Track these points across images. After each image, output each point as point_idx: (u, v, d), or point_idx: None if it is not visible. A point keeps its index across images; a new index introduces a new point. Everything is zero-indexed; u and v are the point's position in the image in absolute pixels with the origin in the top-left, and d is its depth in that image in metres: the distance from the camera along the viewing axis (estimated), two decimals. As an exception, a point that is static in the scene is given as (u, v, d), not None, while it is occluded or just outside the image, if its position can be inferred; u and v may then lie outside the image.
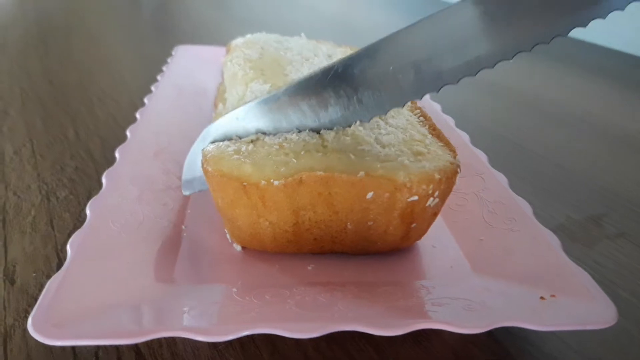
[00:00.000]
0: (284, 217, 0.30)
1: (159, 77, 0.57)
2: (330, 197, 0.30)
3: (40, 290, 0.32)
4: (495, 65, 0.28)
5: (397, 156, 0.30)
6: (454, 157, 0.31)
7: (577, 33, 1.11)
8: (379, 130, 0.34)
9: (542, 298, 0.29)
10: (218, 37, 0.94)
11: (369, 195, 0.29)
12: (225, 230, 0.34)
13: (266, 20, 1.14)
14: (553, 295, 0.29)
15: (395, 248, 0.33)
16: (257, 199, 0.29)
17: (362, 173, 0.29)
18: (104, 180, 0.36)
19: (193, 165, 0.35)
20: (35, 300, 0.31)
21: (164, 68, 0.61)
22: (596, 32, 1.08)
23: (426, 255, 0.34)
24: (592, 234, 0.42)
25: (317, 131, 0.33)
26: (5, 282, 0.32)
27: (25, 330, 0.29)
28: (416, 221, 0.31)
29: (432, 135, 0.35)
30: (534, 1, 0.27)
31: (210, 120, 0.48)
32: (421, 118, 0.37)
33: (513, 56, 0.28)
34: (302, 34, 0.52)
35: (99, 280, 0.28)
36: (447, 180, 0.30)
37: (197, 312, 0.27)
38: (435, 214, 0.32)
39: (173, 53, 0.66)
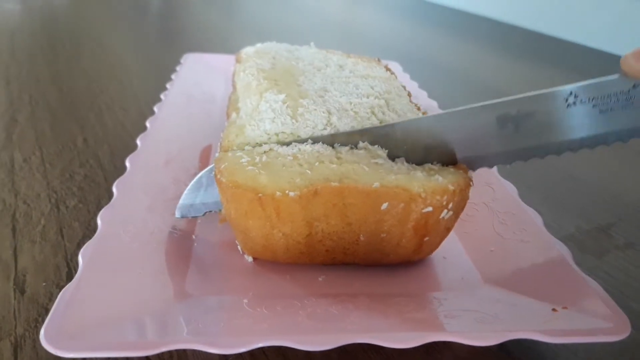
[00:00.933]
0: (298, 229, 0.30)
1: (168, 86, 0.57)
2: (345, 208, 0.30)
3: (50, 300, 0.32)
4: (493, 166, 0.34)
5: (410, 170, 0.31)
6: (466, 174, 0.31)
7: (589, 41, 1.11)
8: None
9: (554, 310, 0.29)
10: (227, 44, 0.94)
11: (384, 206, 0.29)
12: (237, 241, 0.34)
13: (274, 27, 1.14)
14: (565, 307, 0.29)
15: (407, 261, 0.33)
16: (272, 211, 0.29)
17: (376, 183, 0.29)
18: (114, 189, 0.36)
19: (195, 191, 0.36)
20: (46, 310, 0.31)
21: (173, 76, 0.61)
22: (604, 39, 1.07)
23: (437, 266, 0.34)
24: (601, 244, 0.42)
25: (330, 144, 0.33)
26: (16, 291, 0.33)
27: (35, 340, 0.29)
28: (429, 234, 0.31)
29: None
30: (536, 124, 0.32)
31: (220, 129, 0.48)
32: None
33: (511, 163, 0.33)
34: (312, 44, 0.52)
35: (110, 291, 0.28)
36: (461, 192, 0.30)
37: (209, 324, 0.27)
38: (448, 229, 0.32)
39: (182, 61, 0.66)
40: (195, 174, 0.41)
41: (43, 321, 0.29)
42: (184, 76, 0.60)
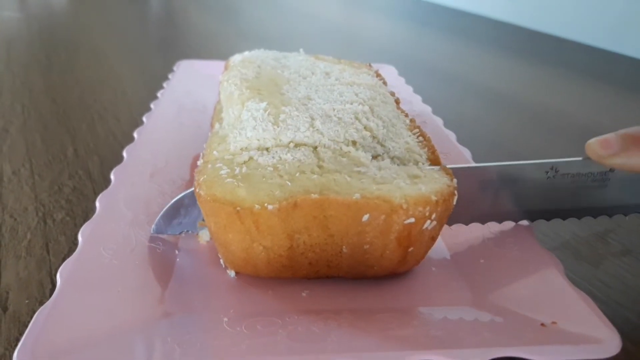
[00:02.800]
0: (279, 242, 0.30)
1: (159, 94, 0.57)
2: (326, 220, 0.29)
3: (32, 318, 0.31)
4: (469, 224, 0.36)
5: (393, 179, 0.30)
6: (451, 180, 0.31)
7: (588, 39, 1.09)
8: (376, 152, 0.33)
9: (542, 325, 0.28)
10: (222, 49, 0.94)
11: (365, 217, 0.28)
12: (219, 255, 0.34)
13: (270, 33, 1.13)
14: (554, 322, 0.28)
15: (393, 273, 0.33)
16: (251, 224, 0.29)
17: (357, 195, 0.28)
18: (97, 204, 0.36)
19: (175, 210, 0.35)
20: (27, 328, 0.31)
21: (165, 84, 0.60)
22: (604, 37, 1.06)
23: (424, 278, 0.33)
24: (598, 251, 0.41)
25: (313, 147, 0.33)
26: (-2, 309, 0.32)
27: (16, 360, 0.29)
28: (413, 245, 0.30)
29: (430, 159, 0.34)
30: (516, 191, 0.35)
31: (206, 138, 0.48)
32: (420, 138, 0.37)
33: (485, 223, 0.36)
34: (301, 50, 0.52)
35: (87, 312, 0.27)
36: (444, 202, 0.29)
37: (187, 344, 0.26)
38: (433, 239, 0.31)
39: (174, 68, 0.66)
40: (182, 186, 0.41)
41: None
42: (175, 84, 0.60)
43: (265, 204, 0.28)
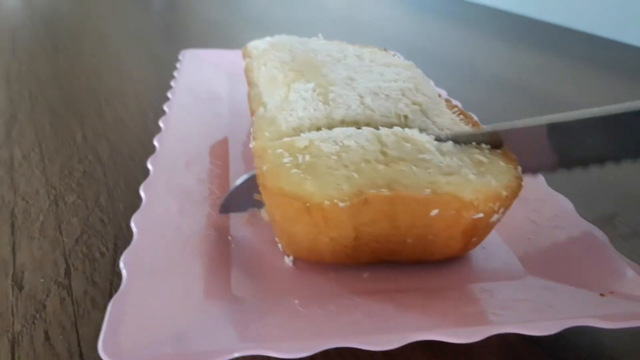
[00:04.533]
0: (346, 234, 0.29)
1: (172, 83, 0.55)
2: (394, 214, 0.28)
3: (48, 296, 0.31)
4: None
5: (460, 167, 0.29)
6: (515, 168, 0.30)
7: (596, 29, 1.09)
8: (427, 126, 0.33)
9: (602, 295, 0.28)
10: (227, 38, 0.92)
11: (434, 212, 0.28)
12: (277, 239, 0.33)
13: (273, 20, 1.11)
14: (612, 292, 0.28)
15: (450, 258, 0.32)
16: (320, 219, 0.28)
17: (427, 190, 0.27)
18: (142, 193, 0.34)
19: (241, 190, 0.34)
20: (43, 306, 0.31)
21: (175, 74, 0.58)
22: (612, 27, 1.06)
23: (477, 257, 0.34)
24: (605, 234, 0.41)
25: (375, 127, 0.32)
26: (14, 287, 0.32)
27: (32, 336, 0.28)
28: (477, 235, 0.30)
29: None
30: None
31: (231, 127, 0.48)
32: (461, 116, 0.37)
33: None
34: (320, 35, 0.51)
35: (159, 300, 0.26)
36: (513, 195, 0.29)
37: (268, 327, 0.25)
38: (492, 228, 0.31)
39: (180, 57, 0.64)
40: (220, 175, 0.40)
41: (40, 317, 0.29)
42: (186, 73, 0.57)
43: (335, 200, 0.27)
